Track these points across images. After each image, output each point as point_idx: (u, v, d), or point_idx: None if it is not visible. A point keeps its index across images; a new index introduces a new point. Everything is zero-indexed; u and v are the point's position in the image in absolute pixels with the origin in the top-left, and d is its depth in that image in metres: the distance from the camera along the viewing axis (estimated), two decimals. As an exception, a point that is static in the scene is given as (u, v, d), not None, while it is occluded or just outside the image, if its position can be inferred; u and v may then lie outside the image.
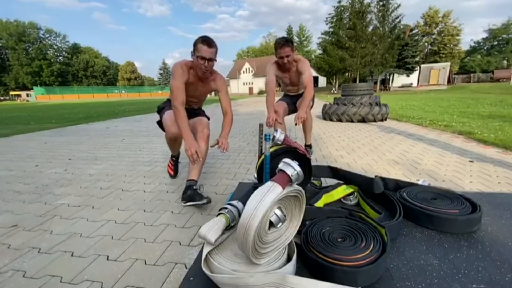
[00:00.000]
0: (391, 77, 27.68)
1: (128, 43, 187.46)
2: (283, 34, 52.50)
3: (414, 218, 1.00)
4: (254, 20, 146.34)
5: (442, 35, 39.60)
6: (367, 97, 5.15)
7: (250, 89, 42.97)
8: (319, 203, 1.15)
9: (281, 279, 0.62)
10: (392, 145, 3.03)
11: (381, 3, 23.13)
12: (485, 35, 45.47)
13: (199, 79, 1.64)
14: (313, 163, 1.42)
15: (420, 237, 0.90)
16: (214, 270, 0.71)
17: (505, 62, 40.96)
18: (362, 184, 1.20)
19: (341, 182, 1.28)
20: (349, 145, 3.12)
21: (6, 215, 1.52)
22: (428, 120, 4.72)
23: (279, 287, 0.62)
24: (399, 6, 22.90)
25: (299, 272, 0.74)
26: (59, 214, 1.51)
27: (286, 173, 0.69)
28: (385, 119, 5.17)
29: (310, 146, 2.56)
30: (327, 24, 27.87)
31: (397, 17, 23.34)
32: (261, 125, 1.41)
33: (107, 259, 1.08)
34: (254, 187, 1.18)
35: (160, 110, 1.88)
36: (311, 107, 2.31)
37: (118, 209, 1.56)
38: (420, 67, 28.00)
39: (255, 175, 1.32)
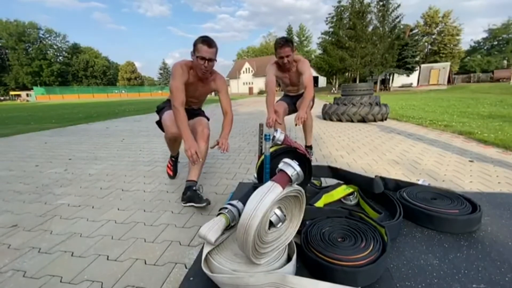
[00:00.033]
0: (391, 77, 27.68)
1: (128, 43, 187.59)
2: (283, 34, 52.53)
3: (414, 218, 1.00)
4: (254, 20, 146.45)
5: (442, 35, 39.60)
6: (367, 97, 5.15)
7: (250, 89, 42.97)
8: (319, 203, 1.15)
9: (281, 279, 0.62)
10: (392, 145, 3.03)
11: (381, 3, 23.13)
12: (485, 35, 45.54)
13: (199, 79, 1.63)
14: (313, 163, 1.42)
15: (420, 237, 0.90)
16: (214, 270, 0.71)
17: (505, 62, 40.95)
18: (362, 184, 1.20)
19: (341, 182, 1.28)
20: (349, 145, 3.12)
21: (6, 215, 1.52)
22: (428, 120, 4.72)
23: (279, 287, 0.62)
24: (399, 6, 22.91)
25: (299, 272, 0.74)
26: (59, 214, 1.51)
27: (286, 173, 0.69)
28: (385, 119, 5.17)
29: (310, 147, 2.54)
30: (327, 24, 27.89)
31: (397, 17, 23.34)
32: (261, 125, 1.41)
33: (107, 259, 1.08)
34: (254, 187, 1.18)
35: (160, 110, 1.87)
36: (311, 107, 2.30)
37: (118, 209, 1.56)
38: (420, 67, 28.00)
39: (255, 175, 1.32)
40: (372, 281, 0.69)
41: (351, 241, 0.78)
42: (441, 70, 27.06)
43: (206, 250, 0.75)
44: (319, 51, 33.31)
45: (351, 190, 1.24)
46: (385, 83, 27.84)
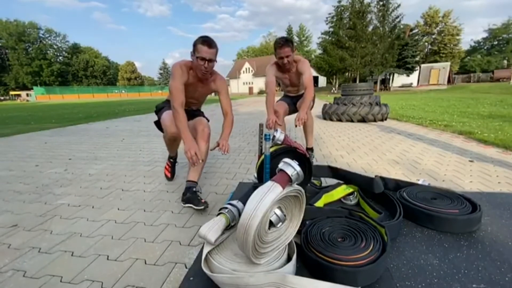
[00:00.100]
0: (391, 77, 27.68)
1: (128, 43, 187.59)
2: (283, 34, 52.53)
3: (414, 218, 1.00)
4: (254, 20, 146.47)
5: (442, 35, 39.59)
6: (367, 97, 5.15)
7: (250, 89, 42.98)
8: (319, 203, 1.15)
9: (281, 279, 0.62)
10: (392, 145, 3.03)
11: (381, 3, 23.12)
12: (485, 34, 45.51)
13: (199, 80, 1.62)
14: (313, 163, 1.42)
15: (420, 237, 0.90)
16: (214, 270, 0.71)
17: (505, 62, 40.94)
18: (362, 184, 1.20)
19: (341, 182, 1.28)
20: (349, 145, 3.12)
21: (6, 215, 1.52)
22: (428, 120, 4.72)
23: (279, 287, 0.62)
24: (399, 6, 22.90)
25: (299, 272, 0.74)
26: (59, 214, 1.51)
27: (286, 173, 0.69)
28: (385, 119, 5.17)
29: (311, 149, 2.48)
30: (327, 24, 27.88)
31: (397, 17, 23.33)
32: (261, 125, 1.41)
33: (107, 259, 1.08)
34: (254, 187, 1.19)
35: (159, 111, 1.85)
36: (312, 107, 2.28)
37: (118, 209, 1.56)
38: (420, 67, 28.00)
39: (255, 175, 1.32)
40: (372, 281, 0.69)
41: (351, 241, 0.78)
42: (441, 70, 27.06)
43: (206, 250, 0.75)
44: (319, 51, 33.32)
45: (351, 190, 1.24)
46: (385, 83, 27.84)
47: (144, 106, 12.72)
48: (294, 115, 2.13)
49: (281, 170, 0.71)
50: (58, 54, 56.58)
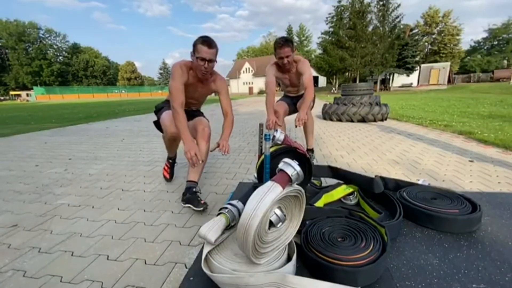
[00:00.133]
0: (391, 77, 27.68)
1: (128, 43, 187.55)
2: (283, 34, 52.53)
3: (414, 218, 1.00)
4: (254, 20, 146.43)
5: (442, 34, 39.59)
6: (367, 97, 5.15)
7: (250, 89, 42.98)
8: (319, 203, 1.15)
9: (281, 279, 0.62)
10: (392, 145, 3.03)
11: (381, 3, 23.12)
12: (485, 34, 45.50)
13: (199, 80, 1.61)
14: (313, 163, 1.42)
15: (420, 237, 0.90)
16: (214, 270, 0.71)
17: (505, 61, 40.93)
18: (362, 184, 1.20)
19: (341, 182, 1.28)
20: (349, 145, 3.12)
21: (6, 215, 1.52)
22: (428, 120, 4.72)
23: (279, 287, 0.62)
24: (399, 5, 22.90)
25: (299, 271, 0.74)
26: (59, 214, 1.51)
27: (286, 173, 0.69)
28: (385, 119, 5.17)
29: (312, 150, 2.45)
30: (327, 23, 27.88)
31: (397, 17, 23.33)
32: (261, 125, 1.41)
33: (107, 258, 1.08)
34: (254, 186, 1.19)
35: (158, 111, 1.83)
36: (312, 107, 2.26)
37: (118, 209, 1.56)
38: (420, 67, 27.99)
39: (255, 175, 1.32)
40: (372, 281, 0.69)
41: (351, 241, 0.78)
42: (441, 70, 27.06)
43: (206, 250, 0.75)
44: (319, 51, 33.33)
45: (351, 190, 1.24)
46: (385, 83, 27.83)
47: (144, 106, 12.72)
48: (294, 115, 2.12)
49: (281, 170, 0.71)
50: (58, 54, 56.60)
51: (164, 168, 2.04)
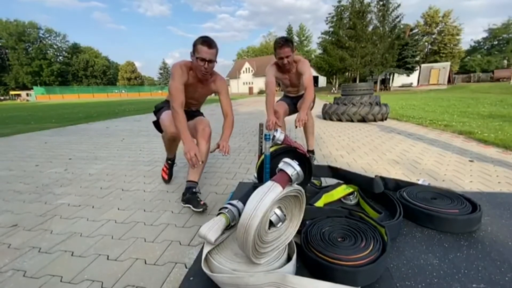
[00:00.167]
0: (391, 77, 27.67)
1: (128, 43, 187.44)
2: (283, 33, 52.55)
3: (414, 217, 1.00)
4: (254, 20, 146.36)
5: (442, 34, 39.58)
6: (367, 97, 5.15)
7: (250, 89, 42.97)
8: (319, 203, 1.15)
9: (281, 279, 0.62)
10: (392, 145, 3.03)
11: (381, 3, 23.10)
12: (485, 34, 45.46)
13: (199, 80, 1.60)
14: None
15: (420, 237, 0.90)
16: (214, 270, 0.71)
17: (505, 61, 40.90)
18: (362, 183, 1.20)
19: (341, 181, 1.28)
20: (349, 145, 3.12)
21: (6, 215, 1.53)
22: (428, 120, 4.72)
23: (279, 287, 0.62)
24: (399, 5, 22.87)
25: (299, 271, 0.74)
26: (59, 214, 1.51)
27: (286, 173, 0.69)
28: (385, 119, 5.17)
29: (312, 151, 2.39)
30: (327, 23, 27.86)
31: (397, 17, 23.31)
32: (261, 125, 1.41)
33: (107, 258, 1.08)
34: (254, 186, 1.19)
35: (158, 111, 1.82)
36: (312, 108, 2.24)
37: (118, 209, 1.56)
38: (420, 67, 27.98)
39: (255, 175, 1.32)
40: (372, 280, 0.69)
41: (351, 241, 0.78)
42: (441, 70, 27.04)
43: (206, 250, 0.75)
44: (319, 51, 33.31)
45: (351, 190, 1.24)
46: (385, 83, 27.82)
47: (144, 106, 12.72)
48: (294, 116, 2.11)
49: (281, 170, 0.71)
50: (58, 54, 56.58)
51: (162, 169, 2.02)
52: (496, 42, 43.90)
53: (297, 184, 0.73)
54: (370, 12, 23.38)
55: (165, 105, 1.78)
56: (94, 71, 58.20)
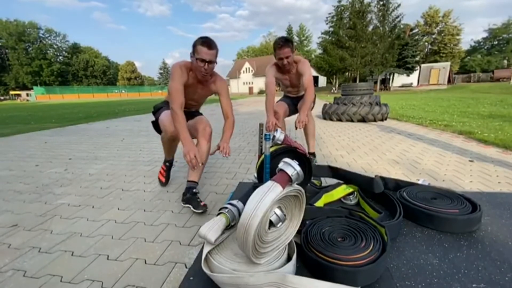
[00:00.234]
0: (391, 77, 27.68)
1: (128, 43, 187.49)
2: (283, 33, 52.54)
3: (414, 217, 1.00)
4: (254, 20, 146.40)
5: (442, 34, 39.58)
6: (367, 97, 5.15)
7: (250, 89, 42.99)
8: (319, 203, 1.15)
9: (281, 279, 0.62)
10: (392, 145, 3.03)
11: (381, 3, 23.11)
12: (485, 34, 45.43)
13: (199, 81, 1.58)
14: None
15: (420, 237, 0.90)
16: (214, 270, 0.71)
17: (505, 61, 40.88)
18: (362, 183, 1.20)
19: (341, 181, 1.28)
20: (349, 145, 3.12)
21: (6, 215, 1.53)
22: (428, 120, 4.72)
23: (280, 287, 0.62)
24: (399, 5, 22.89)
25: (299, 271, 0.74)
26: (59, 214, 1.51)
27: (286, 173, 0.69)
28: (385, 119, 5.17)
29: (313, 154, 2.29)
30: (327, 23, 27.91)
31: (397, 17, 23.32)
32: (261, 125, 1.41)
33: (107, 258, 1.08)
34: (254, 186, 1.19)
35: (157, 111, 1.79)
36: (312, 108, 2.20)
37: (118, 209, 1.56)
38: (420, 67, 27.98)
39: (255, 175, 1.32)
40: (372, 280, 0.69)
41: (351, 241, 0.78)
42: (441, 69, 27.04)
43: (206, 250, 0.75)
44: (319, 51, 33.35)
45: (351, 189, 1.24)
46: (385, 82, 27.84)
47: (144, 106, 12.72)
48: (294, 117, 2.10)
49: (281, 170, 0.71)
50: (58, 54, 56.58)
51: (160, 172, 1.97)
52: (496, 42, 43.89)
53: (297, 184, 0.73)
54: (370, 12, 23.39)
55: (164, 105, 1.76)
56: (94, 71, 58.19)
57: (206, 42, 1.44)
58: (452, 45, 39.53)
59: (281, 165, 0.72)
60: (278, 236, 0.75)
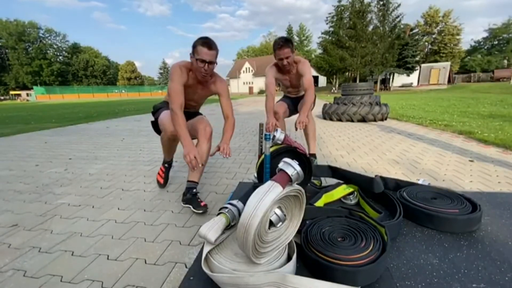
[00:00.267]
0: (391, 77, 27.66)
1: (128, 43, 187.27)
2: (283, 33, 52.56)
3: (414, 217, 1.00)
4: (254, 20, 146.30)
5: (443, 34, 39.56)
6: (367, 97, 5.15)
7: (250, 89, 42.97)
8: (319, 203, 1.15)
9: (281, 279, 0.62)
10: (392, 145, 3.03)
11: (381, 3, 23.09)
12: (485, 34, 45.36)
13: (198, 81, 1.58)
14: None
15: (420, 237, 0.90)
16: (214, 270, 0.71)
17: (505, 61, 40.85)
18: (362, 183, 1.20)
19: (341, 181, 1.28)
20: (349, 145, 3.12)
21: (7, 215, 1.53)
22: (428, 120, 4.72)
23: (280, 287, 0.62)
24: (399, 5, 22.87)
25: (299, 271, 0.74)
26: (59, 214, 1.51)
27: (286, 173, 0.69)
28: (385, 119, 5.17)
29: (314, 155, 2.22)
30: (327, 23, 27.90)
31: (398, 17, 23.31)
32: (261, 125, 1.41)
33: (107, 258, 1.08)
34: (254, 186, 1.19)
35: (156, 111, 1.77)
36: (312, 108, 2.16)
37: (118, 209, 1.56)
38: (420, 67, 27.97)
39: (255, 175, 1.32)
40: (372, 280, 0.69)
41: (351, 241, 0.78)
42: (441, 69, 27.04)
43: (206, 250, 0.75)
44: (319, 51, 33.34)
45: (351, 189, 1.24)
46: (385, 82, 27.83)
47: (144, 106, 12.72)
48: (294, 117, 2.09)
49: (281, 169, 0.71)
50: (58, 53, 56.56)
51: (158, 173, 1.94)
52: (496, 42, 43.84)
53: (297, 184, 0.73)
54: (370, 12, 23.38)
55: (164, 105, 1.75)
56: (94, 71, 58.18)
57: (206, 42, 1.43)
58: (452, 45, 39.52)
59: (281, 165, 0.72)
60: (278, 236, 0.75)
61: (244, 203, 0.72)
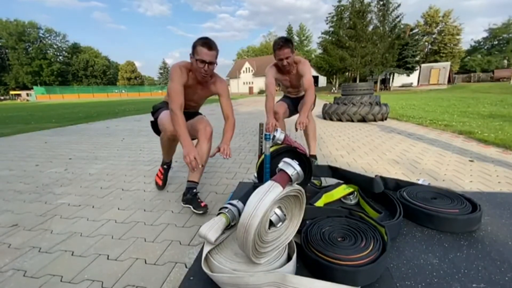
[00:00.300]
0: (391, 77, 27.67)
1: (128, 43, 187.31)
2: (283, 33, 52.57)
3: (414, 217, 1.00)
4: (254, 20, 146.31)
5: (443, 34, 39.57)
6: (367, 97, 5.15)
7: (250, 89, 42.98)
8: (319, 203, 1.15)
9: (281, 279, 0.62)
10: (392, 145, 3.03)
11: (381, 3, 23.11)
12: (485, 34, 45.38)
13: (198, 82, 1.57)
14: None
15: (420, 237, 0.90)
16: (214, 270, 0.71)
17: (505, 61, 40.85)
18: (362, 183, 1.20)
19: (341, 181, 1.28)
20: (349, 145, 3.12)
21: (7, 215, 1.53)
22: (428, 120, 4.72)
23: (280, 287, 0.62)
24: (399, 5, 22.89)
25: (299, 271, 0.74)
26: (59, 214, 1.51)
27: (286, 173, 0.69)
28: (385, 119, 5.17)
29: (315, 156, 2.21)
30: (327, 23, 27.91)
31: (398, 17, 23.33)
32: (261, 125, 1.41)
33: (107, 258, 1.08)
34: (254, 186, 1.19)
35: (156, 111, 1.76)
36: (312, 108, 2.15)
37: (118, 209, 1.56)
38: (420, 67, 27.97)
39: (255, 175, 1.32)
40: (372, 280, 0.69)
41: (351, 241, 0.78)
42: (441, 69, 27.04)
43: (206, 250, 0.76)
44: (319, 51, 33.35)
45: (351, 189, 1.24)
46: (385, 82, 27.84)
47: (144, 106, 12.72)
48: (294, 118, 2.08)
49: (281, 169, 0.71)
50: (58, 53, 56.57)
51: (157, 174, 1.92)
52: (496, 42, 43.84)
53: (297, 184, 0.73)
54: (370, 12, 23.39)
55: (164, 106, 1.74)
56: (94, 71, 58.18)
57: (206, 43, 1.42)
58: (452, 45, 39.53)
59: (281, 165, 0.72)
60: (278, 236, 0.75)
61: (244, 203, 0.72)
